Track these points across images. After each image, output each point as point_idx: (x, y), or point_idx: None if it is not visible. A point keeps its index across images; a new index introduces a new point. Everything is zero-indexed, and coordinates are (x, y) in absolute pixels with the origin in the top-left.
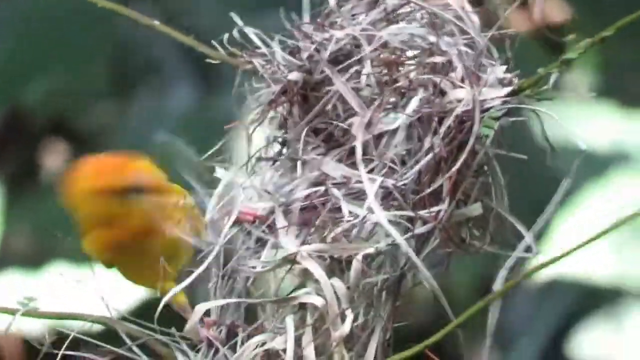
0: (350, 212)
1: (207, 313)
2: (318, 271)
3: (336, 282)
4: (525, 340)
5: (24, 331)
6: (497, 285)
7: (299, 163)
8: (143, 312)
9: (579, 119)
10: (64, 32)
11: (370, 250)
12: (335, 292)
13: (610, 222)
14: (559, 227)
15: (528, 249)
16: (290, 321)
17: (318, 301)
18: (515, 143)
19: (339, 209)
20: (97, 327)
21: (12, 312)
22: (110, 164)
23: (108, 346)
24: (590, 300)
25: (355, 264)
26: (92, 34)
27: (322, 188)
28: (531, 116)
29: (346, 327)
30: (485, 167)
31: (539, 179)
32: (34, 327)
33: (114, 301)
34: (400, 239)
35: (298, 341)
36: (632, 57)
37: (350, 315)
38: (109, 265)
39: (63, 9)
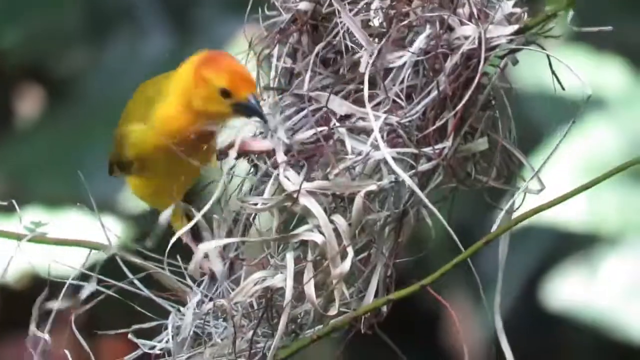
0: (353, 149)
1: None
2: (317, 209)
3: (337, 218)
4: (501, 287)
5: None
6: (501, 220)
7: (305, 96)
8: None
9: (555, 63)
10: None
11: (373, 187)
12: (335, 229)
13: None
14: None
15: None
16: (290, 258)
17: (318, 238)
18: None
19: (343, 146)
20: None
21: (19, 237)
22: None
23: (110, 280)
24: (565, 245)
25: (357, 201)
26: None
27: (327, 125)
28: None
29: (346, 265)
30: (493, 102)
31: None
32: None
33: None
34: (404, 175)
35: (298, 278)
36: (604, 1)
37: (350, 252)
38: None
39: None
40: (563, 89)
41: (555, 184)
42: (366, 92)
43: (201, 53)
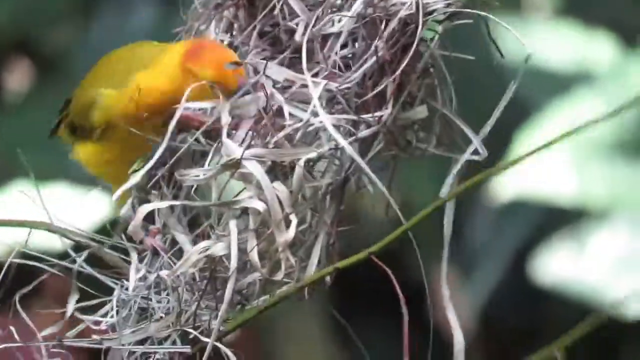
0: (292, 116)
1: (153, 222)
2: (261, 174)
3: (278, 185)
4: (487, 261)
5: None
6: (446, 187)
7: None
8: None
9: (541, 37)
10: None
11: (312, 154)
12: (277, 196)
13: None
14: (522, 145)
15: (476, 152)
16: (233, 226)
17: (260, 205)
18: (465, 48)
19: (282, 115)
20: (58, 248)
21: (30, 225)
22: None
23: (53, 260)
24: (553, 220)
25: (298, 169)
26: None
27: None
28: (495, 29)
29: (291, 232)
30: (431, 69)
31: (488, 88)
32: None
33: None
34: (343, 141)
35: (242, 248)
36: None
37: (294, 220)
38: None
39: None
40: (502, 56)
41: (544, 157)
42: (304, 59)
43: (184, 45)
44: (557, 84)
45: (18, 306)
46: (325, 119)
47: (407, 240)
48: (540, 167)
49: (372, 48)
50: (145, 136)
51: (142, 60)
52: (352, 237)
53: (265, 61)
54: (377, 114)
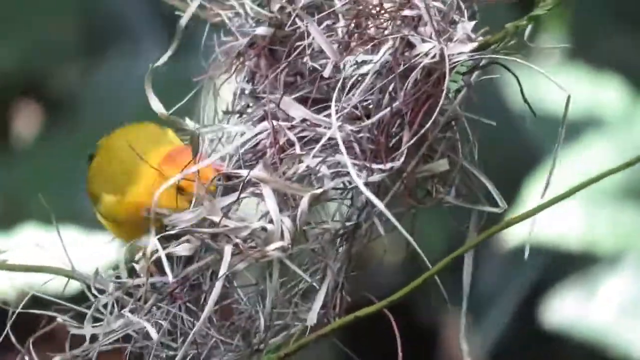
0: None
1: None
2: (271, 198)
3: (284, 217)
4: (496, 305)
5: None
6: (470, 238)
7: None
8: None
9: (549, 83)
10: None
11: (318, 191)
12: (281, 224)
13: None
14: (531, 191)
15: (495, 205)
16: (228, 250)
17: (269, 226)
18: (487, 104)
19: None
20: (72, 291)
21: (48, 270)
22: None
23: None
24: (562, 265)
25: (302, 204)
26: None
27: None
28: (504, 77)
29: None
30: (453, 123)
31: (508, 140)
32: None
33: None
34: (358, 180)
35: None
36: (601, 19)
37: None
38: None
39: None
40: (534, 114)
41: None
42: (334, 105)
43: (167, 150)
44: (566, 130)
45: (32, 351)
46: (347, 159)
47: (415, 289)
48: (549, 212)
49: (388, 96)
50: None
51: (132, 167)
52: (360, 282)
53: (281, 95)
54: (389, 164)
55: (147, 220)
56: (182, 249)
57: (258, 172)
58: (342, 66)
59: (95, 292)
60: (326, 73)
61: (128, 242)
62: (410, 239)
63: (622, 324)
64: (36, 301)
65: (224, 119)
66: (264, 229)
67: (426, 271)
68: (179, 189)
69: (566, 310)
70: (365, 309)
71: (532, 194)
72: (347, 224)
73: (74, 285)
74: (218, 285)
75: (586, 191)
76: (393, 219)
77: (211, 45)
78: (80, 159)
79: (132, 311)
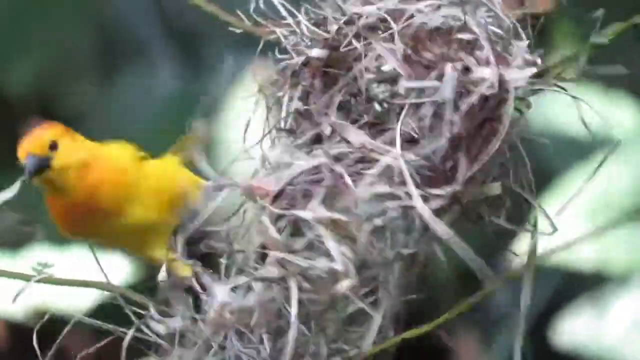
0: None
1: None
2: (328, 239)
3: (345, 250)
4: (508, 326)
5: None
6: (528, 261)
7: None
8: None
9: (561, 102)
10: (49, 13)
11: (378, 222)
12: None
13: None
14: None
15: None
16: (293, 285)
17: (338, 266)
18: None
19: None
20: (81, 307)
21: (27, 278)
22: None
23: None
24: (573, 285)
25: (363, 235)
26: (76, 14)
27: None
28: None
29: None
30: (506, 149)
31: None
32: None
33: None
34: (425, 209)
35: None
36: (615, 39)
37: (351, 281)
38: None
39: None
40: (592, 135)
41: (565, 223)
42: (398, 133)
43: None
44: (578, 149)
45: None
46: (414, 192)
47: (428, 308)
48: (560, 232)
49: (446, 121)
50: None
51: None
52: (418, 305)
53: (344, 123)
54: (448, 188)
55: (100, 229)
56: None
57: (316, 213)
58: (399, 90)
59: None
60: (400, 89)
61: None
62: (477, 259)
63: (633, 343)
64: (52, 321)
65: (276, 137)
66: (330, 268)
67: (441, 289)
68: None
69: (578, 329)
70: (414, 331)
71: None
72: (405, 251)
73: (85, 303)
74: (293, 326)
75: (596, 211)
76: (464, 246)
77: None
78: None
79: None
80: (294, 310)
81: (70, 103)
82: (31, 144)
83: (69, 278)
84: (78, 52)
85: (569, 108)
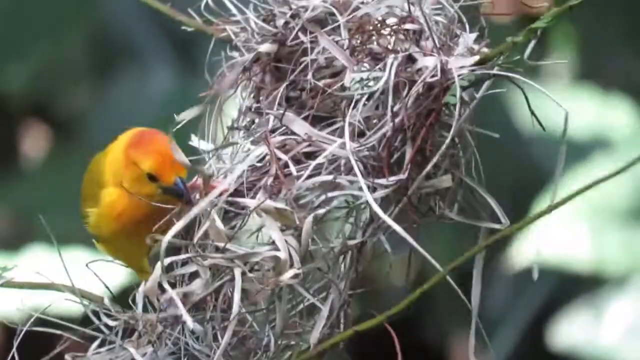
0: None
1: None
2: (275, 228)
3: (289, 239)
4: (505, 328)
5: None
6: (477, 255)
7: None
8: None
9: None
10: (44, 15)
11: (321, 211)
12: (288, 248)
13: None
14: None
15: (497, 221)
16: (237, 274)
17: (281, 255)
18: (497, 126)
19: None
20: (75, 312)
21: (53, 287)
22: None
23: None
24: (570, 287)
25: (306, 225)
26: (71, 16)
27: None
28: (514, 99)
29: (290, 274)
30: (457, 140)
31: (516, 162)
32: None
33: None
34: (369, 196)
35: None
36: (610, 39)
37: (299, 269)
38: (109, 236)
39: None
40: (543, 129)
41: (560, 225)
42: (347, 124)
43: (131, 132)
44: (575, 151)
45: None
46: (362, 180)
47: (424, 307)
48: (557, 234)
49: (390, 111)
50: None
51: (102, 173)
52: (369, 302)
53: (290, 114)
54: (392, 178)
55: (133, 235)
56: (186, 270)
57: (261, 202)
58: (345, 82)
59: (103, 317)
60: (346, 82)
61: (127, 260)
62: (420, 249)
63: (629, 345)
64: (42, 323)
65: (228, 135)
66: (274, 256)
67: (436, 293)
68: (151, 177)
69: (574, 331)
70: (365, 323)
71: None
72: (351, 242)
73: (77, 307)
74: (234, 311)
75: (593, 213)
76: (401, 231)
77: (217, 60)
78: None
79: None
80: (236, 296)
81: (66, 105)
82: (177, 167)
83: (29, 281)
84: (74, 54)
85: (563, 109)
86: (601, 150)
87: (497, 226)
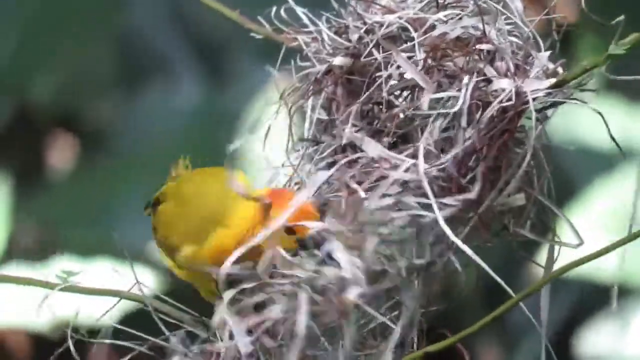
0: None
1: None
2: (342, 252)
3: (355, 260)
4: (530, 339)
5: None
6: (545, 273)
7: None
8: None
9: (584, 115)
10: (71, 26)
11: (385, 231)
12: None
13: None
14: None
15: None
16: (302, 297)
17: (346, 273)
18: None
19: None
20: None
21: (52, 286)
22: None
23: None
24: (595, 297)
25: (369, 245)
26: (99, 28)
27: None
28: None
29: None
30: (528, 157)
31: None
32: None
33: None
34: (437, 213)
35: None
36: (637, 50)
37: (360, 289)
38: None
39: (70, 2)
40: (623, 155)
41: (587, 236)
42: (422, 149)
43: (264, 191)
44: (601, 162)
45: None
46: (433, 202)
47: (451, 315)
48: (584, 244)
49: (462, 133)
50: None
51: (218, 213)
52: (442, 318)
53: (362, 135)
54: (460, 197)
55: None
56: (256, 299)
57: (328, 225)
58: (420, 100)
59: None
60: (424, 106)
61: (201, 284)
62: (488, 268)
63: None
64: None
65: (298, 146)
66: (339, 277)
67: (464, 299)
68: (289, 230)
69: (600, 343)
70: (438, 344)
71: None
72: (418, 261)
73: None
74: (300, 334)
75: (622, 225)
76: (468, 250)
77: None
78: (115, 190)
79: None
80: (301, 318)
81: (93, 116)
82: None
83: (92, 287)
84: (101, 65)
85: (591, 119)
86: (628, 160)
87: (570, 245)
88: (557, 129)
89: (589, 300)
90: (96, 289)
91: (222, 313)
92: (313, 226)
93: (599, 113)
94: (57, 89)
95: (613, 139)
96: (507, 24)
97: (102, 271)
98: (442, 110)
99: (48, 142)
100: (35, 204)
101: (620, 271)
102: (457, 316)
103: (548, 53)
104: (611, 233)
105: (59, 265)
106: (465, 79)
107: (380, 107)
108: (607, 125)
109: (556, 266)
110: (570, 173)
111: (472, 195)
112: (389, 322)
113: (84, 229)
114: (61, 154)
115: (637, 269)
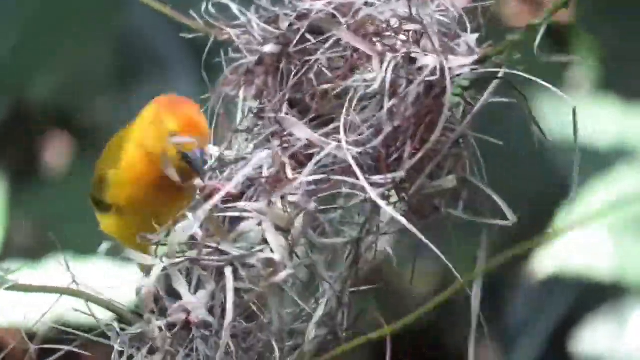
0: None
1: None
2: (272, 233)
3: (283, 241)
4: (527, 338)
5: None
6: (480, 257)
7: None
8: None
9: (581, 114)
10: (71, 26)
11: (312, 208)
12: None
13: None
14: (562, 222)
15: (504, 217)
16: (229, 274)
17: (277, 257)
18: (516, 136)
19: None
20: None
21: (60, 291)
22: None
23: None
24: (592, 296)
25: (296, 225)
26: (99, 28)
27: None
28: (537, 109)
29: (282, 275)
30: (461, 140)
31: (538, 172)
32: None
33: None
34: (369, 189)
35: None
36: (632, 50)
37: (290, 269)
38: (121, 205)
39: (70, 2)
40: (545, 137)
41: (582, 233)
42: (342, 126)
43: (166, 96)
44: (597, 160)
45: None
46: (364, 181)
47: (445, 317)
48: (579, 243)
49: (387, 111)
50: (162, 207)
51: (127, 135)
52: (393, 311)
53: (290, 117)
54: (390, 175)
55: (148, 207)
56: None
57: (257, 204)
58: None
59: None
60: (375, 66)
61: (133, 241)
62: (435, 249)
63: None
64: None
65: (232, 137)
66: (268, 258)
67: (458, 300)
68: (173, 136)
69: (597, 341)
70: (378, 331)
71: (563, 224)
72: (339, 240)
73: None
74: (229, 308)
75: (615, 221)
76: (405, 222)
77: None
78: None
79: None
80: (229, 295)
81: (89, 115)
82: (202, 141)
83: (35, 285)
84: (97, 65)
85: (587, 119)
86: (624, 159)
87: (504, 223)
88: (553, 129)
89: (586, 298)
90: (36, 286)
91: (148, 286)
92: (241, 205)
93: (524, 96)
94: (56, 89)
95: (534, 120)
96: (437, 9)
97: (96, 270)
98: (361, 84)
99: (45, 141)
100: (32, 202)
101: (617, 269)
102: (451, 316)
103: (476, 35)
104: (606, 228)
105: (55, 264)
106: (388, 56)
107: (309, 94)
108: (527, 105)
109: (555, 266)
110: (566, 171)
111: (400, 173)
112: (305, 307)
113: (80, 226)
114: (58, 153)
115: (634, 268)
